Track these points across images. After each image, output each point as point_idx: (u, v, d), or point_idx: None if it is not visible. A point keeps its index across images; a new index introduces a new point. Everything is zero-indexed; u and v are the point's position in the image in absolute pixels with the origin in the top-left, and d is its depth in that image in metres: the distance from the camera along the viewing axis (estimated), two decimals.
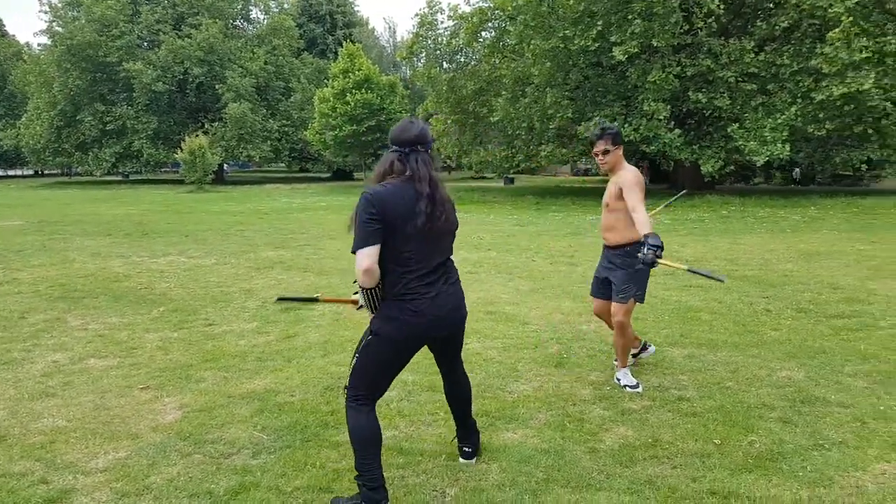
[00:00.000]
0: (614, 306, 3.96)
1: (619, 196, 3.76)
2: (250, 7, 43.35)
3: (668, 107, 19.52)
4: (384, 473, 2.78)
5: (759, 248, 10.32)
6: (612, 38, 18.79)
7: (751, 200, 19.29)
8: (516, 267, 8.64)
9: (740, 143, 18.73)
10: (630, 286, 3.88)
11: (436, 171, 2.66)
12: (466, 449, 3.06)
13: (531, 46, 20.12)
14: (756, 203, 18.74)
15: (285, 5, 44.05)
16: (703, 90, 19.65)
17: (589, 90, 22.14)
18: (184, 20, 38.26)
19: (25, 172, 54.52)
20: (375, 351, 2.65)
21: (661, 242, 3.51)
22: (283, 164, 44.55)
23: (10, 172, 54.48)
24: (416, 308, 2.59)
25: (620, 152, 3.88)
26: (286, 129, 37.77)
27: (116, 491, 2.77)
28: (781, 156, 18.14)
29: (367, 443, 2.61)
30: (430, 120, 26.25)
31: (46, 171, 53.55)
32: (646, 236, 3.53)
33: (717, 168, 19.72)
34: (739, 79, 19.45)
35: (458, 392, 3.04)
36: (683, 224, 14.57)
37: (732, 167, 20.97)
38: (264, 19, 42.86)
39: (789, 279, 7.55)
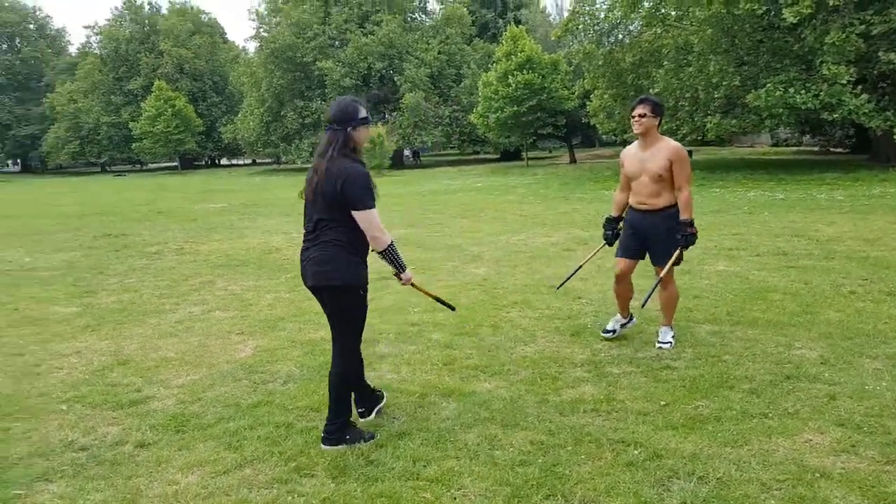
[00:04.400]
0: (660, 269, 4.44)
1: (669, 168, 4.27)
2: None
3: (852, 70, 17.53)
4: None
5: None
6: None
7: None
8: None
9: None
10: (671, 249, 4.32)
11: (339, 147, 3.06)
12: (360, 410, 3.46)
13: (689, 14, 19.18)
14: None
15: None
16: None
17: (764, 53, 20.49)
18: (368, 18, 41.37)
19: (244, 161, 62.76)
20: None
21: (695, 232, 4.28)
22: (455, 148, 46.47)
23: (233, 162, 63.28)
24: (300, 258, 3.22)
25: (656, 123, 4.31)
26: (456, 114, 39.42)
27: (179, 399, 3.83)
28: None
29: None
30: (589, 97, 25.96)
31: (259, 161, 61.02)
32: (688, 223, 4.25)
33: None
34: None
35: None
36: (855, 200, 13.27)
37: None
38: (440, 10, 44.77)
39: None
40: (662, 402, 3.50)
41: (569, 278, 5.12)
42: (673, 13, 21.71)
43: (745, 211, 12.12)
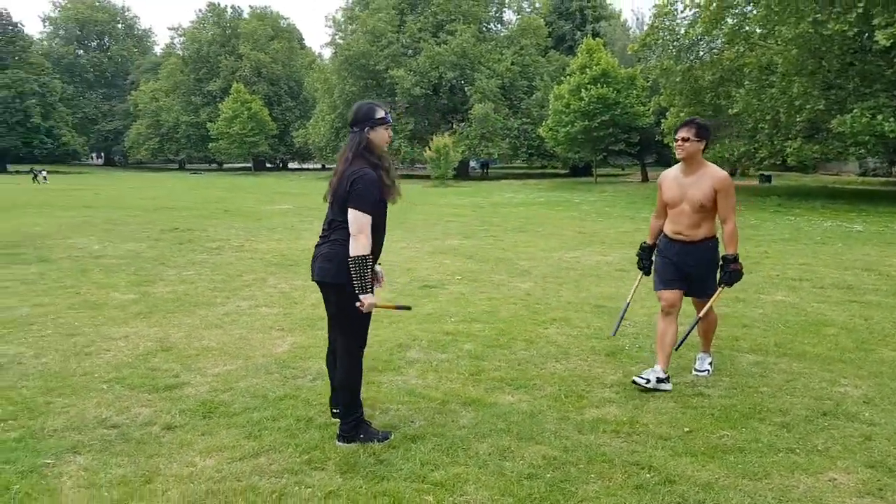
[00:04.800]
0: (701, 301, 4.25)
1: (714, 197, 3.99)
2: (504, 9, 45.72)
3: None
4: (393, 408, 3.65)
5: None
6: (875, 21, 16.48)
7: None
8: None
9: None
10: (712, 280, 4.17)
11: (354, 149, 3.15)
12: (335, 410, 3.42)
13: (774, 33, 18.53)
14: None
15: (537, 4, 45.56)
16: None
17: (853, 77, 19.55)
18: (442, 27, 41.90)
19: (313, 166, 64.53)
20: None
21: (740, 269, 4.05)
22: (522, 161, 46.33)
23: (302, 166, 65.25)
24: None
25: (702, 147, 4.02)
26: (525, 126, 39.36)
27: (212, 387, 3.99)
28: None
29: None
30: (665, 114, 25.44)
31: (328, 165, 62.61)
32: (733, 258, 4.02)
33: None
34: None
35: (332, 362, 3.41)
36: None
37: None
38: (516, 20, 44.82)
39: None
40: (686, 429, 3.40)
41: (621, 321, 4.75)
42: (758, 31, 21.04)
43: (818, 241, 11.59)
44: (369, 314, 3.24)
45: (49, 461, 2.96)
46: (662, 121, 25.88)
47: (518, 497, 2.71)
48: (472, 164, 48.50)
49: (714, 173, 4.03)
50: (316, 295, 6.69)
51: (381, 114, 3.20)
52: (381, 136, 3.21)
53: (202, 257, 9.23)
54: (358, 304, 3.09)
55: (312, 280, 3.31)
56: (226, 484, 2.79)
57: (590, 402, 3.80)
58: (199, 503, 2.64)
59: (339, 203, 3.15)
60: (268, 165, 64.22)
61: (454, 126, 40.48)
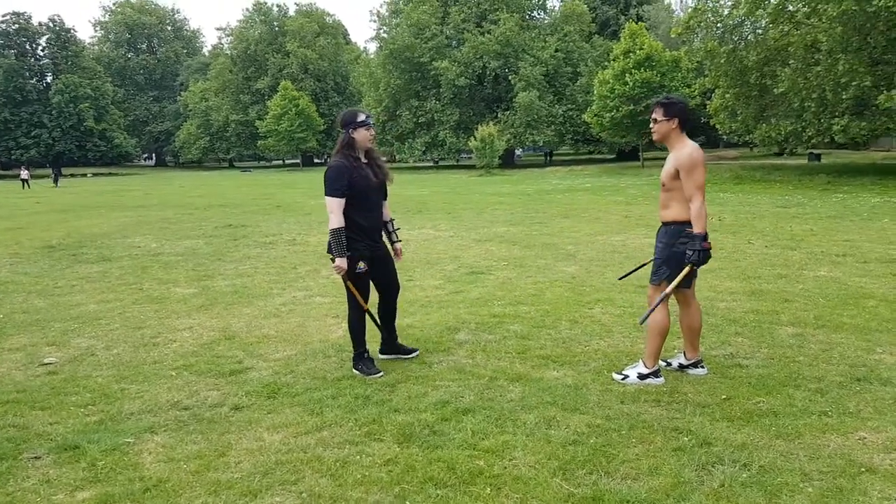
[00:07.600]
0: (649, 288, 3.97)
1: (675, 176, 3.73)
2: None
3: None
4: (444, 385, 3.86)
5: None
6: None
7: None
8: (720, 249, 8.57)
9: None
10: (664, 268, 3.83)
11: (337, 146, 4.05)
12: (382, 347, 4.49)
13: (818, 11, 18.06)
14: None
15: None
16: None
17: None
18: (486, 17, 41.87)
19: None
20: None
21: (708, 247, 3.62)
22: (569, 147, 45.99)
23: None
24: None
25: (674, 126, 3.77)
26: (570, 112, 39.07)
27: (275, 371, 4.30)
28: None
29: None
30: (710, 96, 24.97)
31: None
32: (700, 237, 3.62)
33: None
34: None
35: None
36: None
37: None
38: (559, 7, 44.47)
39: None
40: (723, 396, 3.54)
41: (633, 272, 4.70)
42: (802, 9, 20.52)
43: (864, 217, 11.34)
44: (360, 275, 4.13)
45: (129, 440, 3.27)
46: (707, 103, 25.43)
47: (563, 460, 2.90)
48: (518, 152, 48.41)
49: (679, 151, 3.75)
50: None
51: (362, 118, 4.02)
52: (362, 135, 4.01)
53: (257, 251, 9.66)
54: (334, 266, 4.01)
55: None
56: (293, 455, 3.07)
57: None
58: (270, 472, 2.91)
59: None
60: (315, 161, 65.32)
61: (499, 115, 40.46)
